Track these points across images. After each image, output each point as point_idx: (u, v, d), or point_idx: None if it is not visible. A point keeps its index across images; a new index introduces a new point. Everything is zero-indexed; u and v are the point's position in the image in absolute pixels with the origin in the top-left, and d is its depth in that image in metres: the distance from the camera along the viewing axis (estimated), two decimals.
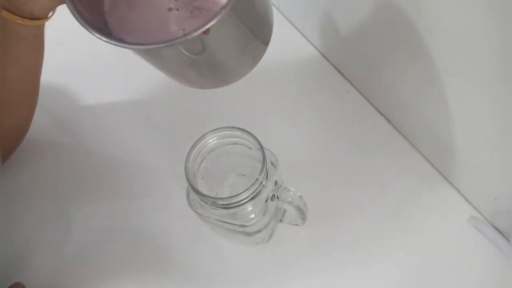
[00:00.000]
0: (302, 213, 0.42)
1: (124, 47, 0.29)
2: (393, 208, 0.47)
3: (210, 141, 0.40)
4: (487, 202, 0.44)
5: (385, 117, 0.53)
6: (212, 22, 0.27)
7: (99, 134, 0.56)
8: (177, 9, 0.32)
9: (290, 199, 0.40)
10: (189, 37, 0.27)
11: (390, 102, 0.51)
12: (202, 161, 0.41)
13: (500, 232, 0.44)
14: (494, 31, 0.31)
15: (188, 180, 0.38)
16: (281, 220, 0.46)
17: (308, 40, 0.60)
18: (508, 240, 0.43)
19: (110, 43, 0.29)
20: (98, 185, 0.52)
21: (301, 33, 0.61)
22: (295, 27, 0.61)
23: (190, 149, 0.39)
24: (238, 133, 0.39)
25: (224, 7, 0.27)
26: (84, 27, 0.30)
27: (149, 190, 0.51)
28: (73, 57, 0.60)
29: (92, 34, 0.30)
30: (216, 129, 0.40)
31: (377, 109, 0.53)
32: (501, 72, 0.33)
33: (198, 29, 0.27)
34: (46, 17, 0.38)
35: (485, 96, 0.36)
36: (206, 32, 0.27)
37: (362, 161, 0.50)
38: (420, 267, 0.44)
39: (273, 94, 0.55)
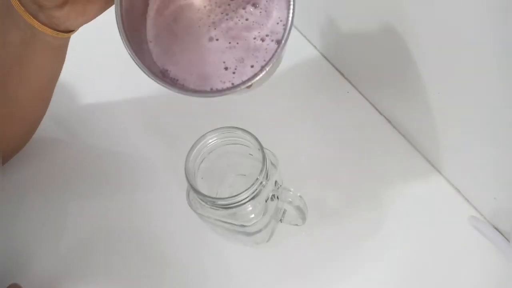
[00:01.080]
0: (302, 213, 0.42)
1: (183, 93, 0.32)
2: (393, 208, 0.47)
3: (210, 141, 0.40)
4: (487, 202, 0.44)
5: (385, 117, 0.53)
6: (256, 78, 0.30)
7: (99, 134, 0.56)
8: (217, 39, 0.34)
9: (290, 199, 0.40)
10: (238, 88, 0.31)
11: (390, 102, 0.51)
12: (202, 161, 0.41)
13: (500, 232, 0.44)
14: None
15: (188, 180, 0.38)
16: (281, 220, 0.46)
17: (308, 40, 0.60)
18: (508, 240, 0.43)
19: (172, 90, 0.32)
20: (97, 185, 0.52)
21: (301, 33, 0.61)
22: (295, 27, 0.61)
23: (190, 149, 0.39)
24: (238, 133, 0.39)
25: (267, 63, 0.31)
26: (149, 76, 0.32)
27: (149, 190, 0.51)
28: (73, 57, 0.60)
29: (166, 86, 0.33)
30: (216, 129, 0.40)
31: (377, 109, 0.53)
32: (499, 70, 0.33)
33: (244, 83, 0.31)
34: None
35: (484, 95, 0.36)
36: (248, 86, 0.31)
37: (362, 161, 0.50)
38: (420, 267, 0.44)
39: (273, 94, 0.55)
